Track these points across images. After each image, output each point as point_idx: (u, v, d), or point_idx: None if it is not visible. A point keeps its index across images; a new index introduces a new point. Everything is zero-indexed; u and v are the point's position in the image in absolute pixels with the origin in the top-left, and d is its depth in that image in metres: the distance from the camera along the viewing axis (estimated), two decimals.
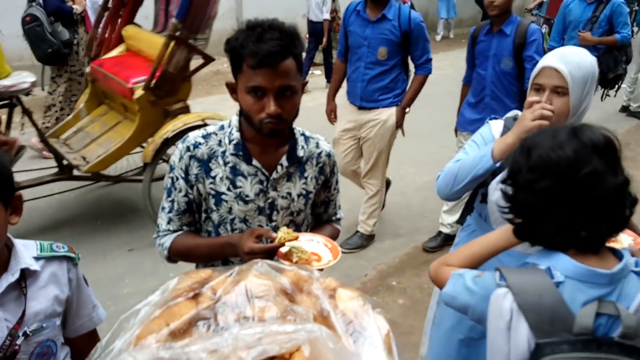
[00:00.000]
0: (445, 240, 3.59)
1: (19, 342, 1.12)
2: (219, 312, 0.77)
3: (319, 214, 1.62)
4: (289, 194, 1.45)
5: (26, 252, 1.18)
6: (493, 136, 1.73)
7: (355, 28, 3.24)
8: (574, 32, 4.54)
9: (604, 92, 4.88)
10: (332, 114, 3.59)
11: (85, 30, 4.84)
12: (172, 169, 1.42)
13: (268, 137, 1.35)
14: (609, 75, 4.53)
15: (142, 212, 3.64)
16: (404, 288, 3.19)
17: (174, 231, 1.45)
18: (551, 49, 4.77)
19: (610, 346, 0.94)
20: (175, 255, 1.44)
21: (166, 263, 1.53)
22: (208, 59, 3.62)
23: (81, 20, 4.77)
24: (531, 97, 1.54)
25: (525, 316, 0.98)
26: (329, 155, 1.52)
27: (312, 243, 1.36)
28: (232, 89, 1.37)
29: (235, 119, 1.42)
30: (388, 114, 3.30)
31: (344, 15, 3.34)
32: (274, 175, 1.41)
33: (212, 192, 1.40)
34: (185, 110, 3.57)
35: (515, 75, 3.13)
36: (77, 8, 4.57)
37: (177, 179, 1.41)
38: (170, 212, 1.44)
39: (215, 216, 1.43)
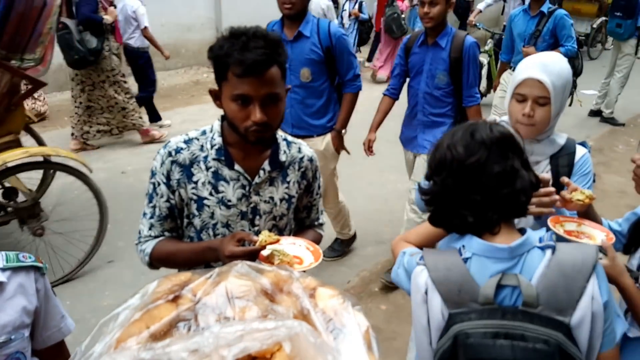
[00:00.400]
0: None
1: None
2: (199, 313, 0.77)
3: (302, 219, 1.63)
4: (272, 198, 1.45)
5: None
6: None
7: None
8: (521, 45, 4.42)
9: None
10: None
11: (115, 39, 5.16)
12: (153, 174, 1.41)
13: (254, 145, 1.36)
14: None
15: (122, 224, 3.60)
16: (386, 294, 3.20)
17: (156, 237, 1.44)
18: (504, 61, 4.67)
19: (514, 314, 1.03)
20: (156, 261, 1.43)
21: (147, 274, 1.52)
22: (37, 84, 3.06)
23: (111, 30, 5.03)
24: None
25: (437, 289, 1.08)
26: (311, 160, 1.54)
27: (294, 246, 1.37)
28: (216, 96, 1.37)
29: (217, 124, 1.43)
30: (325, 142, 3.06)
31: None
32: (257, 179, 1.42)
33: (194, 197, 1.40)
34: (14, 144, 2.97)
35: (450, 92, 2.94)
36: (107, 18, 4.80)
37: (159, 184, 1.40)
38: (151, 217, 1.43)
39: (197, 221, 1.43)
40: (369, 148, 3.24)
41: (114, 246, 3.43)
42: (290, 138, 1.53)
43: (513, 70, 4.48)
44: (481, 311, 1.03)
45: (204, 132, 1.44)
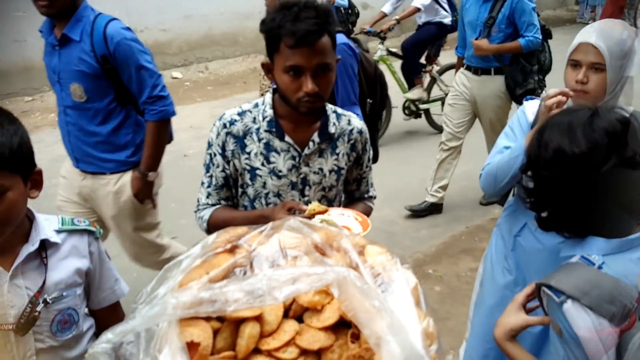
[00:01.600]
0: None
1: (38, 309, 1.17)
2: (254, 260, 0.82)
3: (352, 191, 1.66)
4: (321, 169, 1.49)
5: (48, 224, 1.24)
6: (527, 118, 1.73)
7: (45, 57, 2.16)
8: (473, 37, 3.52)
9: None
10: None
11: None
12: (210, 145, 1.49)
13: (306, 116, 1.39)
14: (517, 91, 3.43)
15: (184, 203, 3.79)
16: (440, 276, 3.17)
17: (213, 205, 1.52)
18: (460, 56, 3.78)
19: None
20: (213, 227, 1.51)
21: None
22: None
23: None
24: (551, 90, 1.53)
25: (597, 312, 0.97)
26: (360, 132, 1.55)
27: (342, 217, 1.40)
28: (268, 69, 1.42)
29: (268, 97, 1.47)
30: (120, 184, 2.19)
31: None
32: (306, 151, 1.46)
33: (247, 167, 1.47)
34: None
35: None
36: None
37: (215, 155, 1.48)
38: (209, 186, 1.51)
39: (250, 191, 1.49)
40: None
41: (177, 223, 3.64)
42: (340, 110, 1.55)
43: (466, 68, 3.65)
44: None
45: (256, 105, 1.49)
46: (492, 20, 3.39)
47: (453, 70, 5.15)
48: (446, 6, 5.18)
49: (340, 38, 2.13)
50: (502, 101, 3.56)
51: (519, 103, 3.54)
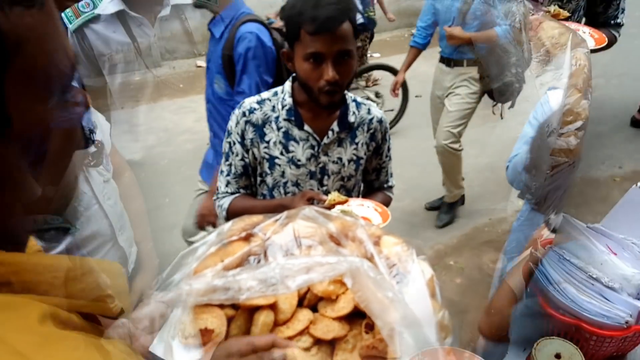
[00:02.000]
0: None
1: None
2: (268, 249, 0.82)
3: (371, 181, 1.64)
4: (340, 159, 1.48)
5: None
6: (551, 108, 1.67)
7: None
8: (447, 25, 3.10)
9: (499, 107, 3.19)
10: None
11: None
12: (229, 133, 1.49)
13: (326, 109, 1.38)
14: (491, 85, 2.82)
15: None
16: (461, 268, 3.13)
17: (232, 193, 1.53)
18: (415, 47, 3.36)
19: None
20: (232, 216, 1.51)
21: None
22: None
23: None
24: None
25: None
26: (380, 121, 1.53)
27: (362, 207, 1.39)
28: (288, 58, 1.41)
29: (288, 85, 1.47)
30: None
31: None
32: (325, 140, 1.45)
33: (266, 156, 1.47)
34: None
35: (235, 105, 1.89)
36: None
37: (234, 143, 1.48)
38: (228, 175, 1.52)
39: (269, 179, 1.50)
40: None
41: None
42: (359, 99, 1.53)
43: (441, 61, 3.29)
44: None
45: (275, 93, 1.49)
46: (467, 6, 2.99)
47: (376, 72, 4.80)
48: (356, 1, 4.51)
49: (251, 26, 1.98)
50: (472, 91, 3.21)
51: (493, 98, 3.22)
